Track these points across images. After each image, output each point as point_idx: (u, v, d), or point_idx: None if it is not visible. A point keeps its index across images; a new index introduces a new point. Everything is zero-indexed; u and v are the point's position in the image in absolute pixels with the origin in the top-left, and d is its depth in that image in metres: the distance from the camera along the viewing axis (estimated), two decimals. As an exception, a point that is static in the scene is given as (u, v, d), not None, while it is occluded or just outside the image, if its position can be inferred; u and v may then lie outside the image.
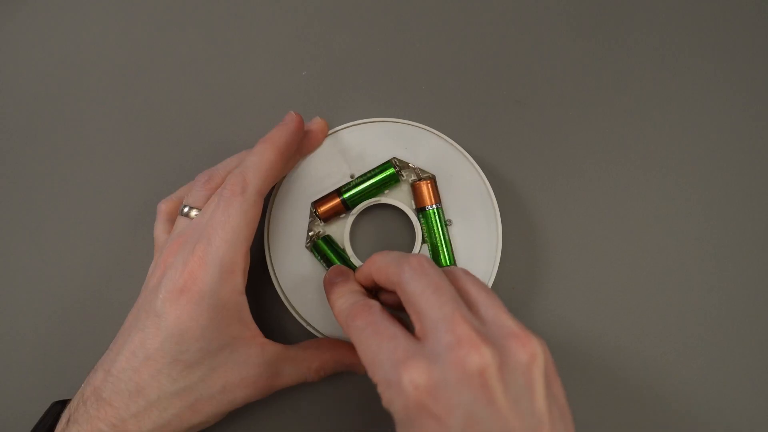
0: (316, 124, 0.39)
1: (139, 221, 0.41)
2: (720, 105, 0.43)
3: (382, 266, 0.31)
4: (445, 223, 0.40)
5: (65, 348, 0.41)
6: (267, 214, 0.40)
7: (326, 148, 0.40)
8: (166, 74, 0.43)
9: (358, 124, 0.40)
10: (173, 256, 0.32)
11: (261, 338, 0.33)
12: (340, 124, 0.41)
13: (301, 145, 0.38)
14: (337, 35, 0.43)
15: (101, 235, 0.42)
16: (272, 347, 0.34)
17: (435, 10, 0.43)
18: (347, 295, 0.32)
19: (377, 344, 0.27)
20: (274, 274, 0.40)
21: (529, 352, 0.26)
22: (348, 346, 0.37)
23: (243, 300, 0.32)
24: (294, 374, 0.34)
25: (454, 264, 0.40)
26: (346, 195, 0.39)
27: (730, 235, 0.42)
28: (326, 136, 0.40)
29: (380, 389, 0.27)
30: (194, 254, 0.30)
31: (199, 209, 0.34)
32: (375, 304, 0.30)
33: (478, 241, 0.40)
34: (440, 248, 0.40)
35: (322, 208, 0.40)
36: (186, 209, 0.35)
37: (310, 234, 0.40)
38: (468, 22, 0.43)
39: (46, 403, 0.35)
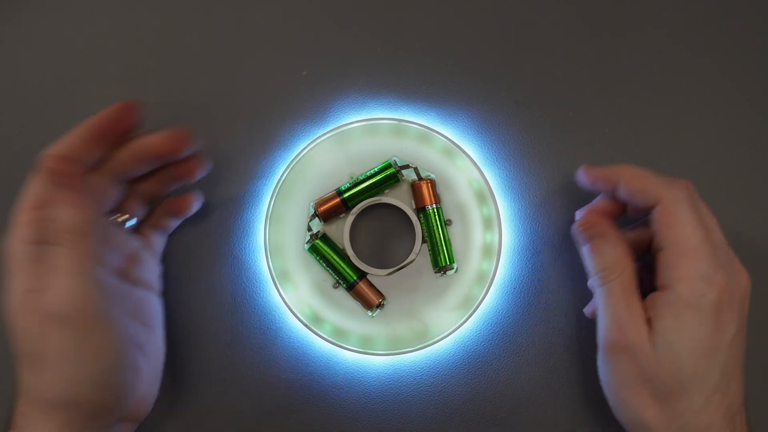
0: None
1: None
2: (720, 105, 0.43)
3: (648, 180, 0.34)
4: (445, 223, 0.40)
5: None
6: (267, 214, 0.40)
7: (326, 147, 0.41)
8: (166, 74, 0.43)
9: (358, 123, 0.40)
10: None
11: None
12: (339, 123, 0.41)
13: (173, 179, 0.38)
14: (337, 35, 0.43)
15: None
16: None
17: (435, 10, 0.43)
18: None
19: (706, 237, 0.32)
20: (272, 274, 0.40)
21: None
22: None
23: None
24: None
25: (454, 263, 0.40)
26: (346, 194, 0.39)
27: (730, 234, 0.42)
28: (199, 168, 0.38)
29: (686, 278, 0.31)
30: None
31: None
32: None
33: (478, 240, 0.40)
34: (440, 248, 0.40)
35: (322, 208, 0.40)
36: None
37: (310, 234, 0.40)
38: (469, 23, 0.43)
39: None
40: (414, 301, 0.40)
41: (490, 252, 0.40)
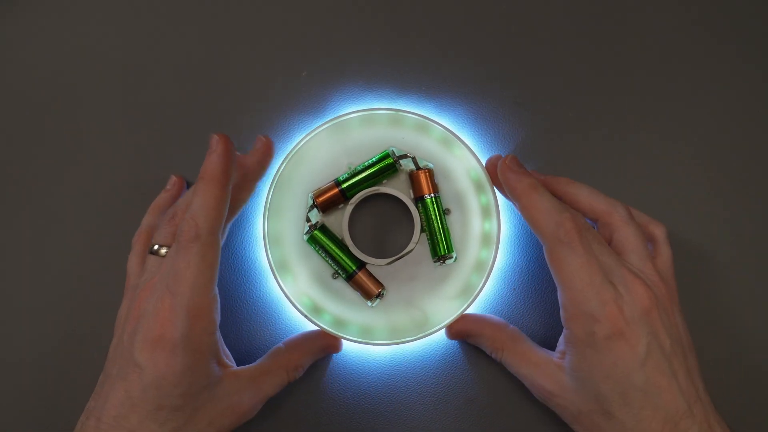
0: (259, 143, 0.39)
1: (137, 223, 0.41)
2: (721, 105, 0.43)
3: (594, 200, 0.36)
4: (444, 212, 0.40)
5: (61, 351, 0.41)
6: (265, 205, 0.40)
7: (324, 138, 0.41)
8: (165, 75, 0.43)
9: (355, 114, 0.40)
10: (145, 302, 0.33)
11: (235, 369, 0.35)
12: (337, 114, 0.41)
13: (252, 171, 0.39)
14: (336, 27, 0.43)
15: (100, 234, 0.42)
16: (247, 374, 0.35)
17: (435, 9, 0.43)
18: (554, 201, 0.34)
19: (588, 277, 0.32)
20: (271, 265, 0.40)
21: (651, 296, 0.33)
22: (314, 336, 0.39)
23: (214, 340, 0.33)
24: (273, 385, 0.36)
25: (453, 252, 0.40)
26: (345, 185, 0.40)
27: (730, 234, 0.42)
28: (272, 155, 0.40)
29: (575, 318, 0.33)
30: (163, 304, 0.32)
31: (168, 246, 0.36)
32: (590, 227, 0.35)
33: (477, 229, 0.40)
34: (439, 237, 0.40)
35: (321, 198, 0.40)
36: (156, 247, 0.36)
37: (309, 224, 0.40)
38: (469, 21, 0.43)
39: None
40: (413, 291, 0.40)
41: (489, 240, 0.40)
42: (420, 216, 0.40)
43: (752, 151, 0.43)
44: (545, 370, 0.35)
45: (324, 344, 0.40)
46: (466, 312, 0.39)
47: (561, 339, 0.36)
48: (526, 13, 0.43)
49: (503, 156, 0.37)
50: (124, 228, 0.40)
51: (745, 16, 0.44)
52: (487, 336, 0.38)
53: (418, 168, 0.40)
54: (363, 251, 0.40)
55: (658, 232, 0.37)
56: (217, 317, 0.34)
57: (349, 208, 0.40)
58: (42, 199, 0.42)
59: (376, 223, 0.42)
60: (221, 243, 0.35)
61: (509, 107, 0.43)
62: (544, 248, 0.34)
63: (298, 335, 0.40)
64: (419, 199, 0.40)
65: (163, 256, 0.35)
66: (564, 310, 0.34)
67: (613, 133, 0.43)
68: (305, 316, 0.39)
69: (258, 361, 0.37)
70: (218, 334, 0.34)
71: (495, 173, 0.37)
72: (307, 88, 0.42)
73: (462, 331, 0.39)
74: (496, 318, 0.40)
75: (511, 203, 0.37)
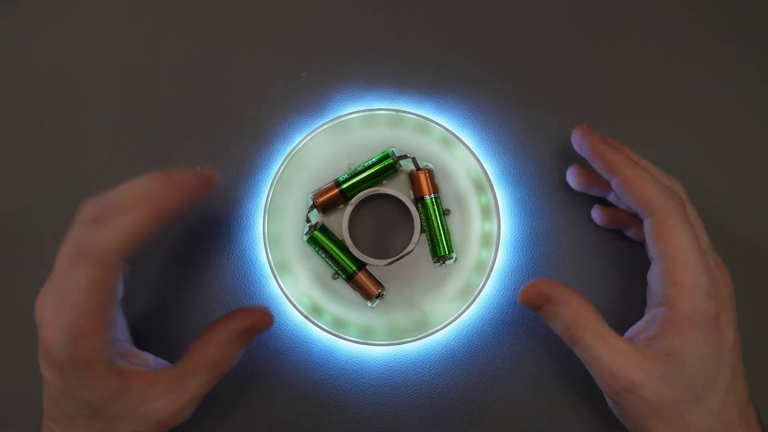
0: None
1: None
2: (721, 105, 0.43)
3: (647, 187, 0.33)
4: (444, 213, 0.40)
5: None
6: (265, 205, 0.40)
7: (324, 138, 0.41)
8: (165, 75, 0.43)
9: (355, 114, 0.40)
10: (39, 311, 0.32)
11: (149, 374, 0.32)
12: (337, 115, 0.41)
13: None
14: (335, 27, 0.43)
15: None
16: (162, 377, 0.32)
17: (435, 9, 0.43)
18: (653, 174, 0.34)
19: (699, 252, 0.31)
20: (271, 266, 0.40)
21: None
22: (228, 321, 0.34)
23: (107, 356, 0.30)
24: (195, 386, 0.33)
25: (453, 252, 0.40)
26: (345, 185, 0.40)
27: (731, 233, 0.42)
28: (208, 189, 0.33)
29: (686, 293, 0.31)
30: (49, 319, 0.29)
31: None
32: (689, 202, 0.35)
33: (477, 229, 0.40)
34: (439, 237, 0.40)
35: (321, 199, 0.40)
36: None
37: (309, 225, 0.40)
38: (469, 21, 0.43)
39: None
40: (413, 291, 0.40)
41: (489, 241, 0.40)
42: (420, 216, 0.40)
43: (752, 150, 0.43)
44: (631, 357, 0.31)
45: (243, 326, 0.34)
46: (540, 279, 0.38)
47: (647, 324, 0.33)
48: (527, 12, 0.43)
49: (586, 130, 0.36)
50: None
51: (746, 16, 0.44)
52: (572, 307, 0.33)
53: (418, 168, 0.40)
54: (363, 252, 0.39)
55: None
56: (113, 334, 0.31)
57: (349, 208, 0.40)
58: (42, 199, 0.42)
59: (376, 223, 0.42)
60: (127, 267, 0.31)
61: (509, 107, 0.42)
62: (648, 221, 0.33)
63: (212, 324, 0.34)
64: (419, 200, 0.40)
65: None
66: (671, 285, 0.32)
67: (614, 133, 0.42)
68: (305, 317, 0.39)
69: (177, 362, 0.33)
70: (121, 346, 0.33)
71: (580, 146, 0.36)
72: (307, 88, 0.42)
73: (542, 293, 0.33)
74: (575, 291, 0.34)
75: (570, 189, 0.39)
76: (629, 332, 0.35)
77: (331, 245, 0.39)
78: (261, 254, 0.41)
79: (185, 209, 0.31)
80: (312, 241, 0.40)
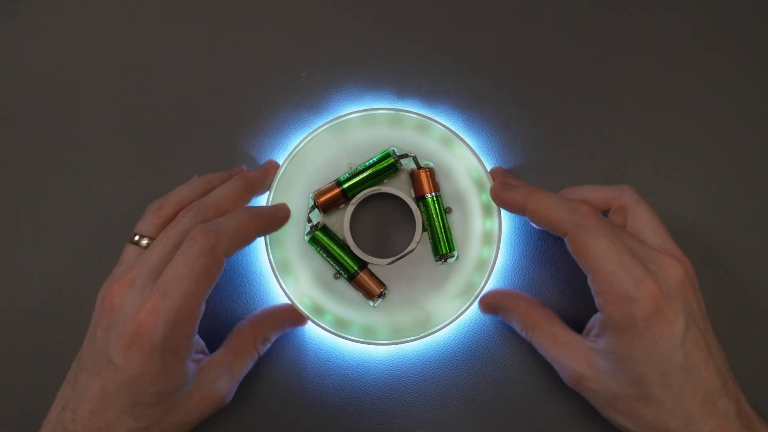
0: (267, 164, 0.41)
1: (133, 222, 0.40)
2: (720, 105, 0.43)
3: (598, 190, 0.36)
4: (445, 211, 0.40)
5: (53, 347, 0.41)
6: (267, 205, 0.40)
7: (325, 138, 0.40)
8: (165, 75, 0.43)
9: (355, 114, 0.40)
10: (120, 297, 0.32)
11: (207, 359, 0.35)
12: (337, 115, 0.41)
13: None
14: (336, 28, 0.43)
15: (99, 236, 0.42)
16: (218, 360, 0.36)
17: (435, 9, 0.43)
18: (558, 194, 0.35)
19: (618, 258, 0.31)
20: (273, 266, 0.39)
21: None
22: (277, 311, 0.40)
23: (191, 344, 0.33)
24: (244, 364, 0.37)
25: (454, 251, 0.40)
26: (346, 185, 0.39)
27: (731, 233, 0.42)
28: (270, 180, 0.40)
29: (612, 302, 0.32)
30: (147, 303, 0.31)
31: (151, 238, 0.35)
32: (599, 211, 0.34)
33: (478, 227, 0.40)
34: (440, 236, 0.40)
35: (322, 199, 0.40)
36: (137, 237, 0.35)
37: (310, 225, 0.40)
38: (468, 20, 0.43)
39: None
40: (415, 290, 0.40)
41: (490, 239, 0.40)
42: (421, 215, 0.40)
43: (754, 148, 0.43)
44: (578, 353, 0.34)
45: (287, 319, 0.39)
46: (496, 289, 0.40)
47: (592, 322, 0.35)
48: (526, 12, 0.43)
49: (492, 176, 0.39)
50: (122, 226, 0.40)
51: (747, 17, 0.44)
52: (520, 312, 0.38)
53: (419, 167, 0.40)
54: (364, 251, 0.39)
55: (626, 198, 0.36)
56: (197, 326, 0.33)
57: (351, 208, 0.40)
58: (41, 200, 0.42)
59: (378, 223, 0.42)
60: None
61: (510, 107, 0.42)
62: (566, 241, 0.34)
63: (260, 310, 0.40)
64: (420, 198, 0.40)
65: (144, 248, 0.35)
66: (598, 295, 0.33)
67: (614, 133, 0.42)
68: (307, 317, 0.39)
69: (225, 344, 0.37)
70: (195, 340, 0.34)
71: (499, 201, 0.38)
72: (307, 88, 0.42)
73: (494, 304, 0.39)
74: (529, 296, 0.40)
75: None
76: (590, 325, 0.36)
77: (332, 245, 0.39)
78: (262, 255, 0.41)
79: (272, 230, 0.39)
80: (313, 241, 0.40)
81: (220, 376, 0.35)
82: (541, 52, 0.43)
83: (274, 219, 0.38)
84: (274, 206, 0.39)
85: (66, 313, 0.41)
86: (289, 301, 0.39)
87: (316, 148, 0.41)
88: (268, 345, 0.39)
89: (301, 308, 0.39)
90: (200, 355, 0.36)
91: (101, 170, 0.42)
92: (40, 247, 0.42)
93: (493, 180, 0.39)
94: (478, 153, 0.40)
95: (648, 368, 0.31)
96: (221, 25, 0.43)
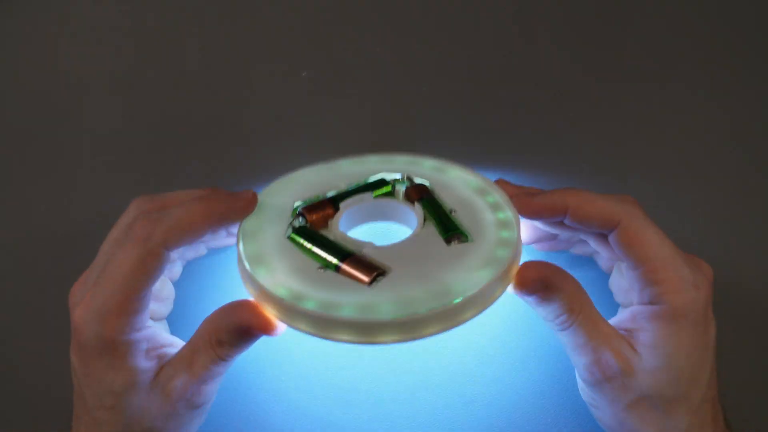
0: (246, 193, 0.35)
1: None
2: (720, 106, 0.44)
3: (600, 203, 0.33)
4: (450, 211, 0.35)
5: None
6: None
7: (318, 175, 0.39)
8: (164, 75, 0.43)
9: (350, 159, 0.40)
10: (72, 298, 0.32)
11: (167, 360, 0.32)
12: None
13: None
14: (337, 36, 0.46)
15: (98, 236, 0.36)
16: (178, 357, 0.32)
17: (435, 14, 0.46)
18: (592, 191, 0.33)
19: (673, 247, 0.31)
20: (242, 256, 0.32)
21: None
22: (229, 309, 0.31)
23: (133, 339, 0.31)
24: (204, 363, 0.31)
25: (467, 234, 0.33)
26: (337, 197, 0.36)
27: (732, 234, 0.41)
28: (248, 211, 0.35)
29: (673, 289, 0.30)
30: (82, 300, 0.30)
31: None
32: None
33: (491, 218, 0.35)
34: (446, 216, 0.34)
35: (314, 217, 0.35)
36: None
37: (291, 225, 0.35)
38: (468, 27, 0.46)
39: None
40: (426, 267, 0.31)
41: (508, 225, 0.34)
42: (422, 210, 0.35)
43: (751, 153, 0.43)
44: (617, 345, 0.31)
45: (238, 320, 0.30)
46: (537, 261, 0.32)
47: (627, 318, 0.32)
48: (526, 13, 0.46)
49: (502, 187, 0.36)
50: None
51: (745, 19, 0.47)
52: (569, 292, 0.31)
53: (413, 184, 0.38)
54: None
55: None
56: (144, 319, 0.31)
57: (341, 214, 0.35)
58: (41, 199, 0.41)
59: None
60: (174, 269, 0.36)
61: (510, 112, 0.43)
62: (613, 234, 0.32)
63: (225, 305, 0.32)
64: (418, 200, 0.36)
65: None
66: (655, 284, 0.31)
67: (614, 133, 0.43)
68: (277, 318, 0.30)
69: (189, 340, 0.32)
70: (136, 338, 0.31)
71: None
72: (309, 97, 0.44)
73: (543, 279, 0.31)
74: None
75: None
76: (623, 320, 0.33)
77: (310, 245, 0.33)
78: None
79: (229, 220, 0.33)
80: (292, 240, 0.33)
81: (178, 375, 0.31)
82: (539, 56, 0.45)
83: (232, 208, 0.33)
84: (233, 193, 0.34)
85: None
86: (253, 297, 0.31)
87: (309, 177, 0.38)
88: (228, 349, 0.31)
89: (271, 303, 0.30)
90: (164, 353, 0.32)
91: (101, 172, 0.42)
92: (39, 248, 0.41)
93: (506, 192, 0.36)
94: (474, 171, 0.38)
95: (689, 364, 0.30)
96: (221, 28, 0.45)
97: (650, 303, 0.31)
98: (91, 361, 0.30)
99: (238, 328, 0.30)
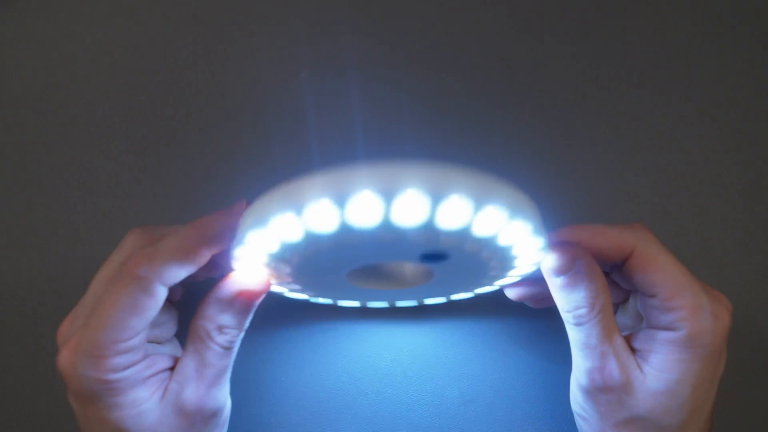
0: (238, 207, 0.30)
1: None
2: (720, 105, 0.44)
3: (611, 233, 0.30)
4: None
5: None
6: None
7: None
8: (164, 75, 0.43)
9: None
10: (60, 336, 0.30)
11: (166, 382, 0.30)
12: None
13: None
14: (337, 36, 0.45)
15: (99, 237, 0.41)
16: (177, 370, 0.30)
17: (434, 16, 0.45)
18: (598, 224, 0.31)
19: (685, 274, 0.30)
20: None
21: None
22: (218, 289, 0.30)
23: (129, 375, 0.29)
24: (206, 364, 0.30)
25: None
26: None
27: (734, 235, 0.42)
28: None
29: (691, 315, 0.29)
30: (69, 341, 0.28)
31: None
32: None
33: None
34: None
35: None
36: None
37: None
38: (469, 25, 0.45)
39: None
40: None
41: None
42: None
43: (752, 153, 0.43)
44: (624, 358, 0.30)
45: (231, 293, 0.30)
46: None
47: (643, 336, 0.31)
48: (525, 12, 0.45)
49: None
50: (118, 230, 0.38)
51: (746, 19, 0.46)
52: (598, 286, 0.30)
53: None
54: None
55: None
56: (137, 354, 0.29)
57: None
58: (40, 200, 0.42)
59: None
60: (175, 291, 0.32)
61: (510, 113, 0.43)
62: (628, 262, 0.30)
63: (204, 297, 0.31)
64: None
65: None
66: (671, 311, 0.29)
67: (615, 133, 0.43)
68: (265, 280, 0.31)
69: (185, 349, 0.31)
70: (147, 360, 0.30)
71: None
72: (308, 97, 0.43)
73: (580, 262, 0.30)
74: None
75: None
76: (638, 340, 0.32)
77: None
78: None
79: (226, 238, 0.29)
80: None
81: (186, 386, 0.30)
82: (539, 56, 0.44)
83: (226, 225, 0.29)
84: (225, 210, 0.29)
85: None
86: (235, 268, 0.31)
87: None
88: (234, 331, 0.31)
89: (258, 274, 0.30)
90: (164, 374, 0.31)
91: (101, 172, 0.42)
92: (38, 248, 0.41)
93: None
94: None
95: (696, 395, 0.29)
96: (220, 29, 0.44)
97: (665, 329, 0.30)
98: (89, 404, 0.28)
99: (235, 298, 0.30)
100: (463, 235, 0.25)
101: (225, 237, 0.29)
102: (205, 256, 0.29)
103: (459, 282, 0.32)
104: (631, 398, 0.30)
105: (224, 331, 0.30)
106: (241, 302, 0.30)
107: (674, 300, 0.29)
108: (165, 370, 0.31)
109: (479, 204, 0.23)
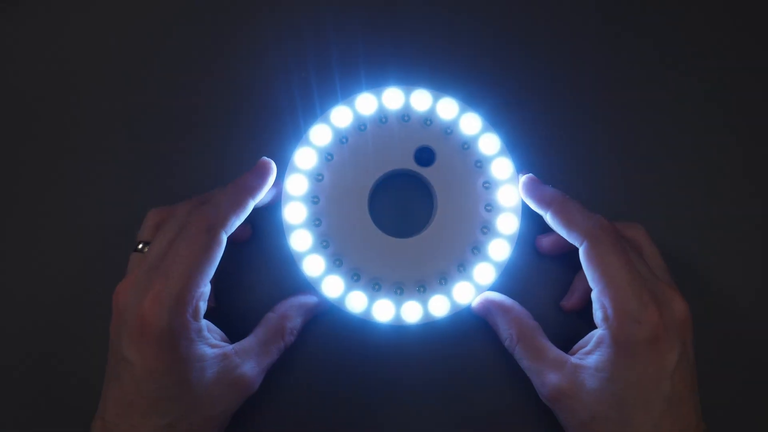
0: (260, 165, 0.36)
1: (134, 226, 0.38)
2: (720, 106, 0.44)
3: (574, 216, 0.34)
4: None
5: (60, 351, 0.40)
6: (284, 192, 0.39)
7: None
8: (164, 75, 0.43)
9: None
10: (126, 295, 0.32)
11: (231, 347, 0.34)
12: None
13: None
14: (337, 35, 0.44)
15: (99, 237, 0.41)
16: (244, 348, 0.35)
17: (434, 13, 0.45)
18: (583, 206, 0.35)
19: (630, 276, 0.32)
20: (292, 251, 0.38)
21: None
22: (301, 300, 0.38)
23: (201, 326, 0.33)
24: (270, 353, 0.36)
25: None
26: None
27: (736, 236, 0.42)
28: (268, 179, 0.37)
29: (616, 318, 0.32)
30: (150, 291, 0.30)
31: (149, 242, 0.35)
32: (618, 231, 0.35)
33: None
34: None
35: None
36: (140, 246, 0.36)
37: None
38: (471, 21, 0.44)
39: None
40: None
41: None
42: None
43: (747, 153, 0.43)
44: (561, 368, 0.34)
45: (311, 306, 0.38)
46: (491, 292, 0.38)
47: (585, 341, 0.35)
48: (527, 15, 0.44)
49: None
50: (120, 230, 0.40)
51: (746, 19, 0.45)
52: (508, 321, 0.37)
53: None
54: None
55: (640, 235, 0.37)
56: (204, 306, 0.33)
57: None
58: (40, 200, 0.42)
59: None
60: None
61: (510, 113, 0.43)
62: (581, 248, 0.34)
63: (286, 300, 0.38)
64: None
65: (144, 253, 0.35)
66: (602, 309, 0.33)
67: (616, 133, 0.43)
68: (331, 304, 0.38)
69: (253, 333, 0.36)
70: (205, 322, 0.33)
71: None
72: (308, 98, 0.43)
73: (482, 311, 0.38)
74: (519, 306, 0.38)
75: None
76: (582, 342, 0.35)
77: None
78: (282, 241, 0.39)
79: (263, 190, 0.35)
80: None
81: (245, 363, 0.34)
82: (542, 53, 0.44)
83: (261, 177, 0.35)
84: (254, 167, 0.36)
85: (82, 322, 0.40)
86: (310, 289, 0.38)
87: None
88: (296, 334, 0.38)
89: (326, 295, 0.38)
90: (221, 343, 0.34)
91: (100, 173, 0.42)
92: (38, 249, 0.41)
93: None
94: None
95: (634, 392, 0.31)
96: (220, 29, 0.44)
97: (598, 325, 0.33)
98: (162, 352, 0.30)
99: (310, 313, 0.38)
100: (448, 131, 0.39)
101: (262, 189, 0.35)
102: (250, 206, 0.34)
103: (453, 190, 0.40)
104: (579, 402, 0.33)
105: (294, 333, 0.37)
106: (310, 310, 0.38)
107: (603, 298, 0.33)
108: (218, 337, 0.34)
109: (463, 110, 0.39)
